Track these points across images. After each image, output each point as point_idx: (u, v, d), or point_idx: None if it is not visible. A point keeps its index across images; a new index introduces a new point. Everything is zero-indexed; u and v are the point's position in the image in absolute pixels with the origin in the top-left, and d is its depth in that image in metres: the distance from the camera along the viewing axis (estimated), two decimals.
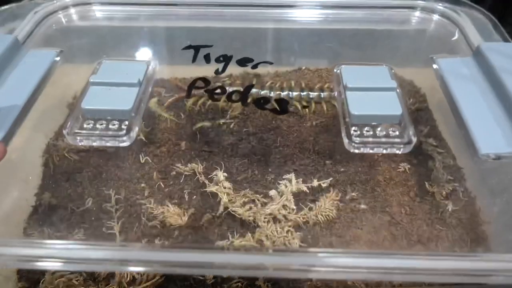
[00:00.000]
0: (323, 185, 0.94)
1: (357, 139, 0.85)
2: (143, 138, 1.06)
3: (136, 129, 0.88)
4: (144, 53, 1.22)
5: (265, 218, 0.88)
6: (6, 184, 0.98)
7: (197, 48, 0.99)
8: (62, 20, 1.19)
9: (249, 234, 0.87)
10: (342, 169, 1.00)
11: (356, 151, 0.86)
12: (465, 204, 0.96)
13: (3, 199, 0.97)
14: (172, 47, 1.25)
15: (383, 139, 0.86)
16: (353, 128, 0.87)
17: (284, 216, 0.89)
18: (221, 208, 0.91)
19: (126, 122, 0.88)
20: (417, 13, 1.21)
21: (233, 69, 1.23)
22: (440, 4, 1.18)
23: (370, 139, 0.86)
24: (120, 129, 0.87)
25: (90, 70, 1.24)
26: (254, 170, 1.00)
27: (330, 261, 0.64)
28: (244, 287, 0.84)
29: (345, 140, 0.86)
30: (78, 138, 0.87)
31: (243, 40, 1.22)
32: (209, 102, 1.10)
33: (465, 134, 0.81)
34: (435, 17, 1.20)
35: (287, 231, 0.87)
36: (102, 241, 0.86)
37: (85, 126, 0.88)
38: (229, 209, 0.90)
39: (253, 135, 1.06)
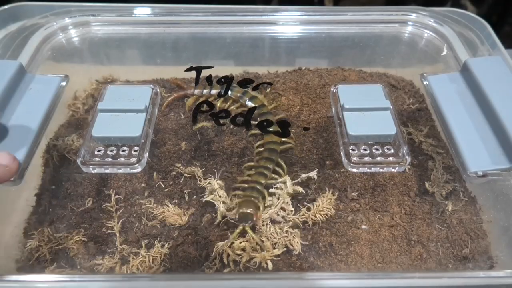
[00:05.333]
0: (311, 176, 0.94)
1: (355, 159, 0.90)
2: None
3: (146, 155, 0.91)
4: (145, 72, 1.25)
5: (263, 221, 0.88)
6: (6, 184, 0.98)
7: (198, 70, 1.00)
8: (62, 41, 1.21)
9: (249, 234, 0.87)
10: (342, 169, 1.00)
11: (355, 170, 0.91)
12: (465, 204, 0.96)
13: (3, 199, 0.97)
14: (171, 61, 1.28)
15: (379, 159, 0.91)
16: (351, 147, 0.92)
17: (283, 217, 0.89)
18: (219, 217, 0.90)
19: (136, 148, 0.91)
20: (409, 28, 1.25)
21: (234, 69, 1.23)
22: (431, 20, 1.21)
23: (367, 159, 0.91)
24: (130, 155, 0.90)
25: (90, 71, 1.25)
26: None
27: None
28: None
29: (344, 161, 0.90)
30: (91, 167, 0.90)
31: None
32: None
33: (456, 153, 0.86)
34: (426, 32, 1.23)
35: (286, 231, 0.87)
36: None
37: (96, 153, 0.91)
38: (227, 218, 0.90)
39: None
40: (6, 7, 1.17)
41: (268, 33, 1.25)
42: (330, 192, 0.94)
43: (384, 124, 0.93)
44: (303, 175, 0.95)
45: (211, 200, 0.92)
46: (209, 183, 0.95)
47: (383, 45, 1.27)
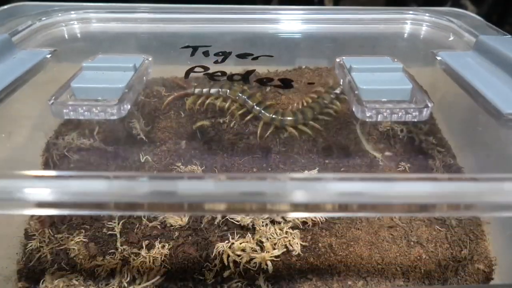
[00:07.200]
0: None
1: (369, 105, 0.78)
2: (143, 137, 1.06)
3: (128, 105, 0.81)
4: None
5: (263, 222, 0.88)
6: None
7: (195, 47, 0.99)
8: (63, 30, 1.19)
9: (249, 235, 0.87)
10: (342, 169, 1.00)
11: (369, 119, 0.79)
12: None
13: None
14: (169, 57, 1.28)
15: (397, 104, 0.80)
16: (365, 104, 0.79)
17: (283, 217, 0.89)
18: (218, 217, 0.91)
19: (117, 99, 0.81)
20: (409, 27, 1.23)
21: (233, 68, 1.23)
22: (428, 14, 1.19)
23: (382, 104, 0.80)
24: (110, 104, 0.80)
25: None
26: (253, 168, 1.00)
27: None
28: (244, 287, 0.85)
29: (357, 109, 0.79)
30: (65, 110, 0.79)
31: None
32: (208, 101, 1.09)
33: (483, 101, 0.78)
34: (426, 31, 1.21)
35: (286, 232, 0.87)
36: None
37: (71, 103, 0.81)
38: (226, 217, 0.90)
39: (253, 134, 1.06)
40: (6, 7, 1.16)
41: (268, 32, 1.25)
42: None
43: (397, 81, 0.84)
44: (305, 172, 0.95)
45: None
46: None
47: (383, 44, 1.26)
